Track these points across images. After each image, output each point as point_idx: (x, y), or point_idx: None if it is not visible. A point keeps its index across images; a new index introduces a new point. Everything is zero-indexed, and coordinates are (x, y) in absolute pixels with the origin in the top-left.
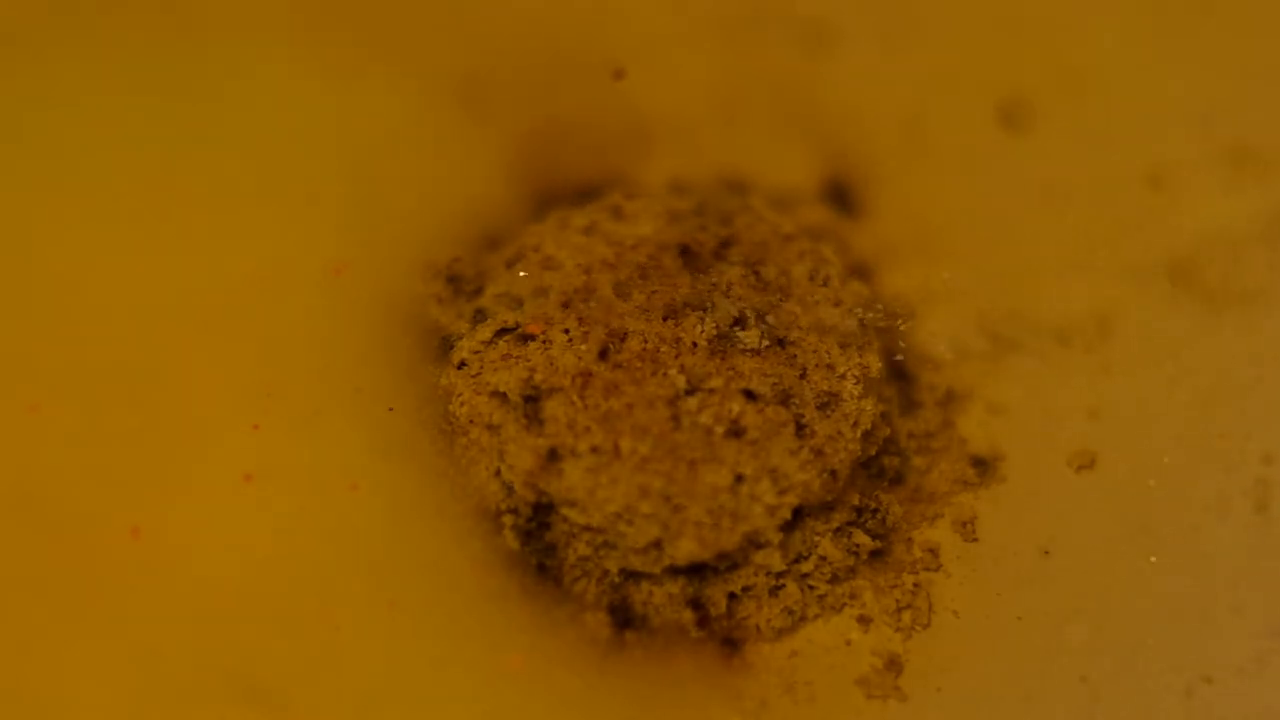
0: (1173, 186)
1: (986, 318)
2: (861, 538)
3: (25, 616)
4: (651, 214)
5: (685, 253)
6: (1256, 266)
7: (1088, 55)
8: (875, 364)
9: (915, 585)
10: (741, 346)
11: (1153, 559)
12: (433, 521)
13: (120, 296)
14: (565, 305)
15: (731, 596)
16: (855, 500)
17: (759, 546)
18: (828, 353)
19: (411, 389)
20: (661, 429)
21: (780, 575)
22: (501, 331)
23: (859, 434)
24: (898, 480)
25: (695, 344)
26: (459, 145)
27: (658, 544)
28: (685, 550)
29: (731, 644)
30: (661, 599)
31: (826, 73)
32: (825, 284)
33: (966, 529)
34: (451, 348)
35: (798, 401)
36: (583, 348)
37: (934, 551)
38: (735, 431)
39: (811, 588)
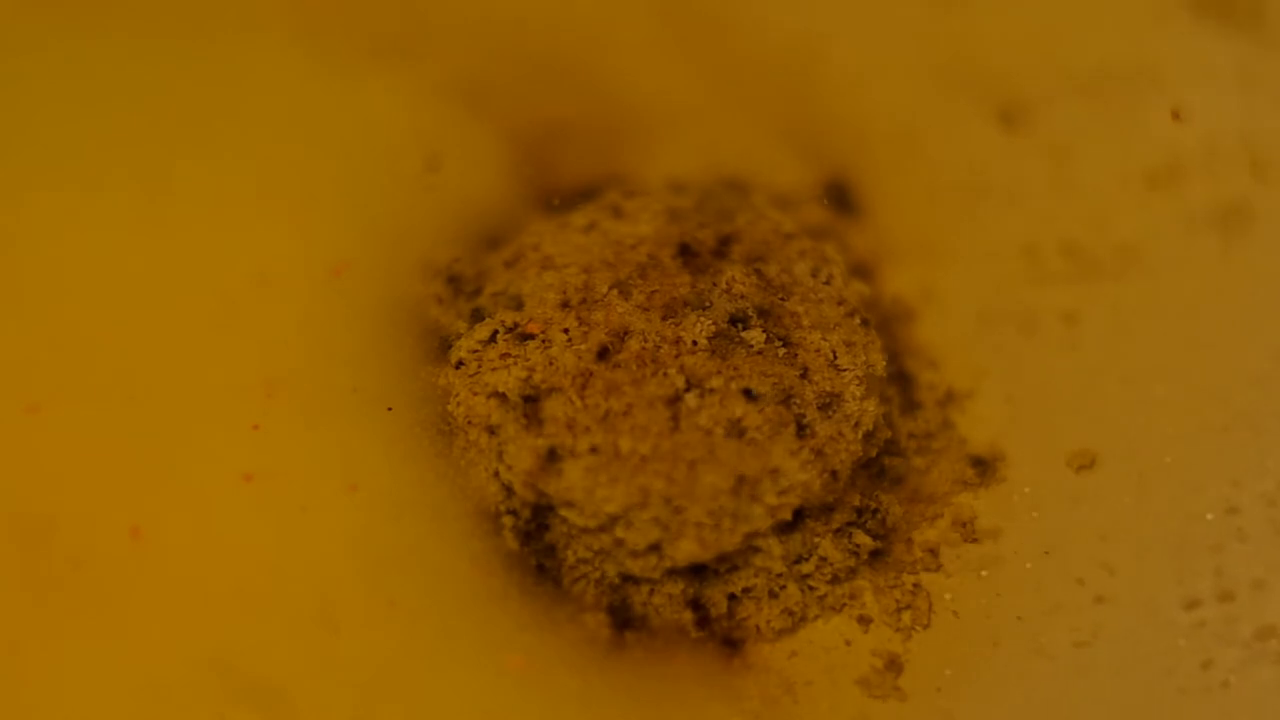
0: (1172, 185)
1: (986, 317)
2: (862, 538)
3: (25, 616)
4: (651, 213)
5: (685, 251)
6: (1257, 263)
7: (1088, 55)
8: (880, 363)
9: (915, 585)
10: (744, 346)
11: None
12: (432, 522)
13: (120, 297)
14: (564, 305)
15: (731, 597)
16: (855, 501)
17: (759, 548)
18: (831, 352)
19: (411, 389)
20: (661, 429)
21: (780, 576)
22: (500, 331)
23: (860, 435)
24: (898, 480)
25: (695, 343)
26: (459, 145)
27: (657, 546)
28: (685, 551)
29: (731, 644)
30: (661, 599)
31: (826, 72)
32: (828, 282)
33: (966, 529)
34: (450, 347)
35: (799, 402)
36: (582, 347)
37: (934, 551)
38: (735, 432)
39: (812, 588)
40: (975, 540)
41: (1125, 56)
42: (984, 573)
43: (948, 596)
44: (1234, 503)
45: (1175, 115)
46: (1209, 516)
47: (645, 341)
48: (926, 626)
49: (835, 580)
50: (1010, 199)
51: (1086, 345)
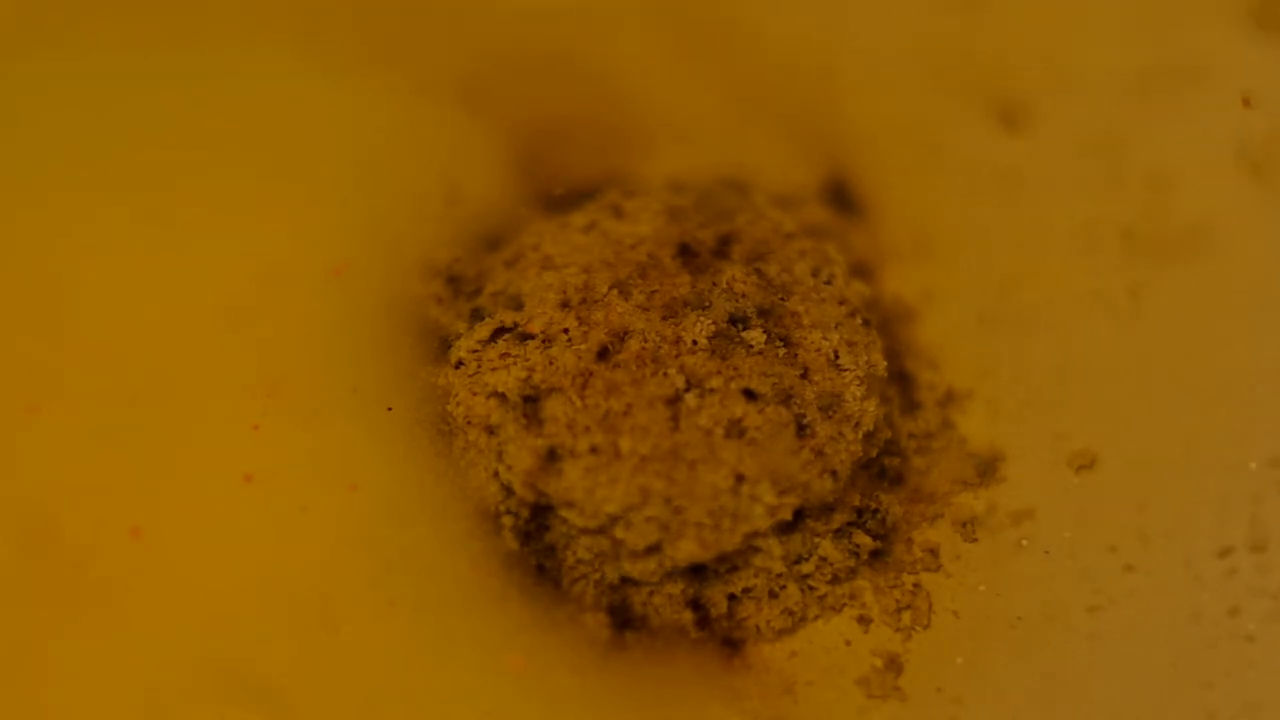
0: (1171, 185)
1: (986, 317)
2: (862, 538)
3: (26, 617)
4: (651, 212)
5: (685, 251)
6: (1253, 261)
7: (1087, 55)
8: (880, 363)
9: (915, 585)
10: (744, 346)
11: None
12: (432, 521)
13: (120, 297)
14: (564, 305)
15: (731, 597)
16: (856, 501)
17: (759, 548)
18: (832, 352)
19: (411, 389)
20: (661, 429)
21: (780, 576)
22: (500, 331)
23: (860, 435)
24: (898, 480)
25: (695, 343)
26: (459, 145)
27: (657, 547)
28: (686, 551)
29: (731, 644)
30: (661, 600)
31: (826, 71)
32: (829, 282)
33: (966, 529)
34: (450, 347)
35: (799, 402)
36: (582, 347)
37: (934, 551)
38: (735, 432)
39: (812, 588)
40: (975, 540)
41: (1128, 57)
42: (984, 573)
43: (948, 596)
44: (1278, 454)
45: (1246, 102)
46: (1251, 465)
47: (645, 341)
48: (926, 626)
49: (835, 580)
50: (1012, 199)
51: (1085, 344)
